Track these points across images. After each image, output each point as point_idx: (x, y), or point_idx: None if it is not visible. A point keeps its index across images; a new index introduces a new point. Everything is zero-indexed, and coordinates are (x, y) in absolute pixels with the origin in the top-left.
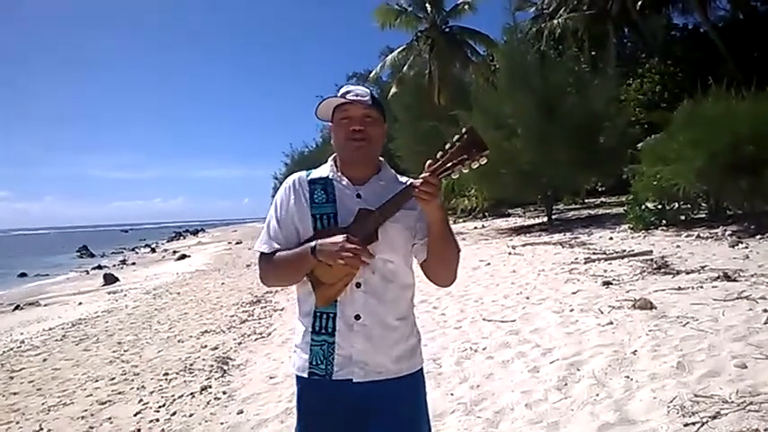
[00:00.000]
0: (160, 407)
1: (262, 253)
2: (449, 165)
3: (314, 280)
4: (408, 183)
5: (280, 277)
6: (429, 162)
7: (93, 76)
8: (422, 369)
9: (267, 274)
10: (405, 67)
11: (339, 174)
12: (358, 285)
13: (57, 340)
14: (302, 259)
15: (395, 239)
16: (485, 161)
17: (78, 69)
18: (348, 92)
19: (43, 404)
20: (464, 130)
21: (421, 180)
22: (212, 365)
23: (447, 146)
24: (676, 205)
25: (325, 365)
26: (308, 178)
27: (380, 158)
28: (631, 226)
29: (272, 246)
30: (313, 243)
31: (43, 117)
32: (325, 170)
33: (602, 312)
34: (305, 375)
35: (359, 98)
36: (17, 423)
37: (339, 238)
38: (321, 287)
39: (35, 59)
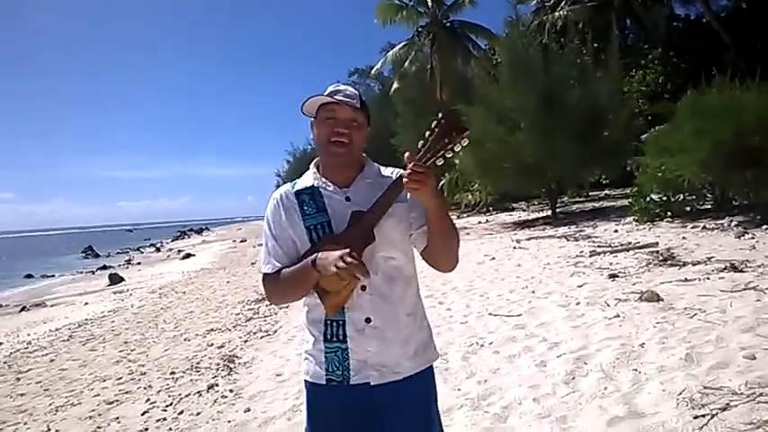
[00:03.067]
0: (167, 406)
1: (265, 274)
2: (431, 153)
3: (319, 290)
4: (396, 175)
5: (287, 295)
6: (408, 154)
7: (98, 75)
8: (432, 364)
9: (273, 293)
10: (406, 63)
11: (324, 180)
12: (363, 288)
13: (63, 341)
14: (305, 274)
15: (392, 234)
16: (466, 142)
17: (83, 69)
18: (337, 91)
19: (51, 405)
20: (440, 114)
21: (409, 171)
22: (219, 364)
23: (427, 134)
24: (681, 197)
25: (342, 371)
26: (294, 190)
27: (362, 155)
28: (636, 218)
29: (274, 265)
30: (312, 256)
31: (48, 118)
32: (309, 179)
33: (608, 305)
34: (322, 383)
35: (347, 100)
36: (25, 424)
37: (336, 253)
38: (328, 296)
39: (39, 60)
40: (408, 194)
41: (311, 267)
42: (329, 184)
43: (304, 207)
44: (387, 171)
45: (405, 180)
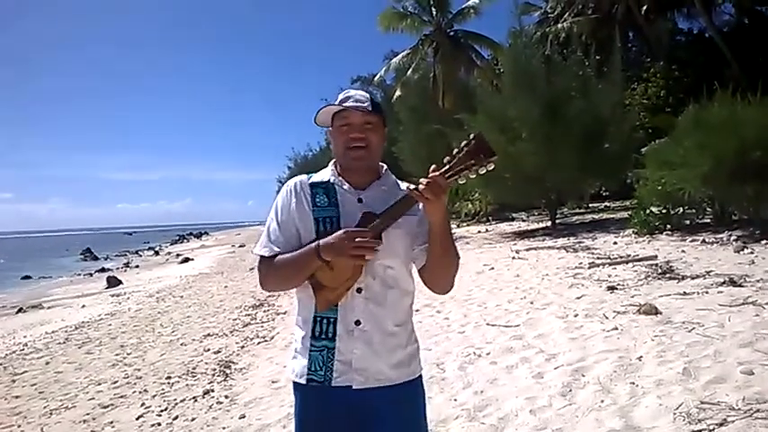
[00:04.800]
0: (162, 411)
1: (262, 257)
2: (456, 170)
3: (315, 284)
4: (413, 187)
5: (281, 280)
6: (434, 167)
7: (99, 76)
8: (421, 377)
9: (268, 277)
10: (409, 71)
11: (340, 178)
12: (359, 291)
13: (59, 343)
14: (306, 260)
15: (396, 244)
16: (492, 167)
17: (83, 70)
18: (347, 97)
19: (45, 408)
20: (472, 135)
21: (428, 180)
22: (215, 369)
23: (455, 151)
24: (681, 210)
25: (324, 371)
26: (310, 181)
27: (381, 164)
28: (636, 230)
29: (272, 249)
30: (318, 242)
31: (47, 118)
32: (326, 174)
33: (606, 318)
34: (302, 382)
35: (358, 104)
36: (19, 427)
37: (342, 231)
38: (323, 291)
39: (38, 60)
40: (420, 208)
41: (314, 253)
42: (345, 182)
43: (316, 198)
44: (403, 185)
45: (421, 187)
